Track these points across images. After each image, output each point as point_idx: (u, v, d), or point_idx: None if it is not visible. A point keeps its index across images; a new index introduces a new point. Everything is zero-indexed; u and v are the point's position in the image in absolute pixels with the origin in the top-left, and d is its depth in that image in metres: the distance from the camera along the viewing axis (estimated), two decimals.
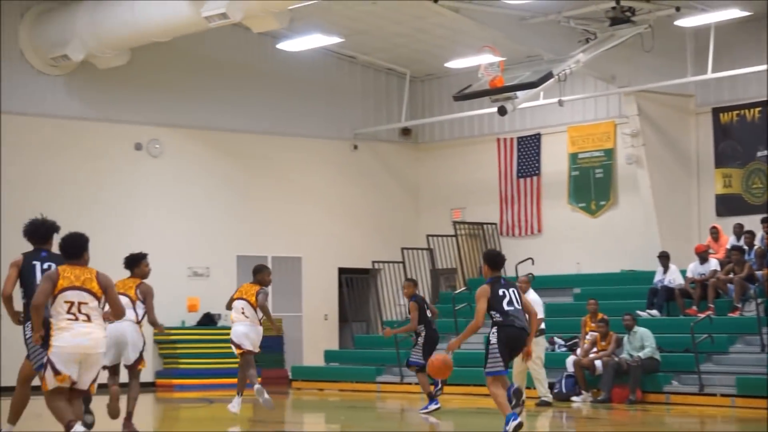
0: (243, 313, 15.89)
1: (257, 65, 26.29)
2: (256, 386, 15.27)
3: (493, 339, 12.05)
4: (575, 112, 25.23)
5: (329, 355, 25.23)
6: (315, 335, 26.15)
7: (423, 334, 17.06)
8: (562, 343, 22.01)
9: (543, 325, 18.94)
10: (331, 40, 25.02)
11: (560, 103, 23.04)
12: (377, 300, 26.56)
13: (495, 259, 12.41)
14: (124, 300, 13.16)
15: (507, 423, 11.72)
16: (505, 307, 12.06)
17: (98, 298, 10.83)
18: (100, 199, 24.33)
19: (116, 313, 11.15)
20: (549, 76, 21.44)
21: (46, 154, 23.93)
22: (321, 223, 26.76)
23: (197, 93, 25.65)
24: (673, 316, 21.42)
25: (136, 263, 14.61)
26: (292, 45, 25.20)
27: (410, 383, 22.85)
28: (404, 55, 27.00)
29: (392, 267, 26.72)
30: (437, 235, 26.56)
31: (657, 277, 21.92)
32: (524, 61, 23.86)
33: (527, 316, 12.25)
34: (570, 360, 20.51)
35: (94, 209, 24.26)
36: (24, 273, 11.35)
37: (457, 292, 24.48)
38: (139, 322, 13.92)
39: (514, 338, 12.08)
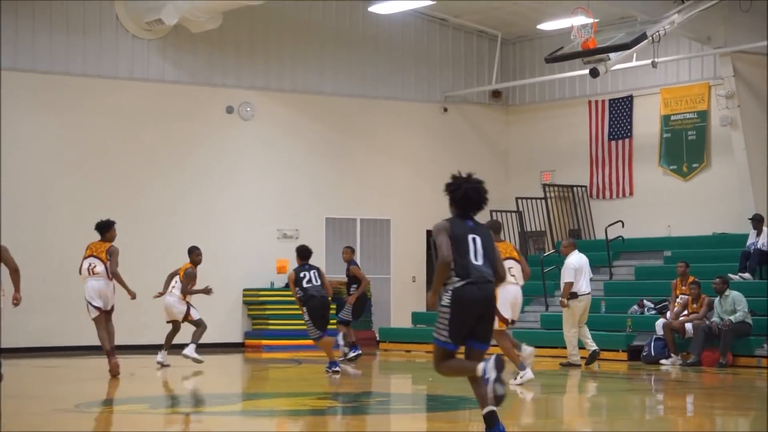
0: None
1: (348, 28, 26.33)
2: None
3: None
4: (669, 74, 24.89)
5: (417, 317, 25.31)
6: (403, 297, 26.21)
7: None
8: (652, 306, 21.84)
9: (576, 288, 18.84)
10: (423, 2, 24.93)
11: (654, 64, 22.74)
12: None
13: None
14: (97, 261, 17.14)
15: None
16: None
17: None
18: (191, 162, 24.62)
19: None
20: (643, 37, 21.19)
21: (140, 117, 24.25)
22: (410, 186, 26.78)
23: (288, 56, 25.76)
24: (765, 279, 21.14)
25: (106, 229, 17.47)
26: (383, 8, 25.17)
27: (495, 345, 22.84)
28: (496, 17, 26.84)
29: None
30: (526, 198, 26.46)
31: (750, 240, 21.63)
32: (617, 22, 23.60)
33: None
34: (659, 323, 20.37)
35: (186, 172, 24.56)
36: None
37: (545, 254, 24.38)
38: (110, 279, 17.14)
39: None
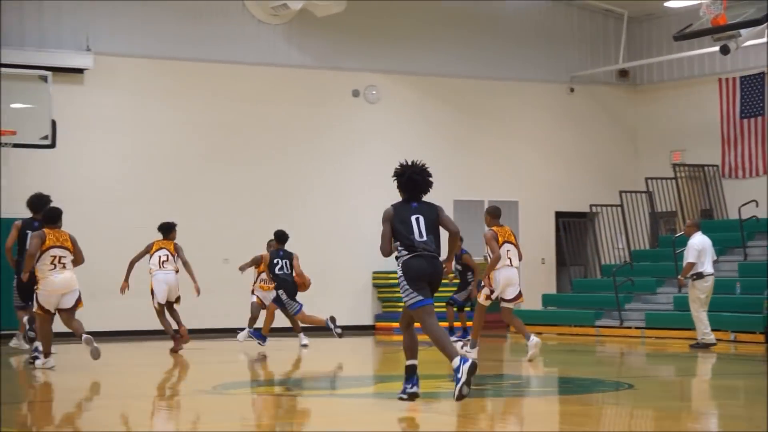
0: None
1: (473, 9, 26.21)
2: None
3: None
4: None
5: (547, 299, 25.14)
6: (532, 279, 26.03)
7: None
8: None
9: (702, 268, 18.56)
10: None
11: None
12: (595, 244, 26.31)
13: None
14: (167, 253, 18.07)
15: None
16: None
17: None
18: (318, 145, 24.77)
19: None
20: None
21: (267, 102, 24.46)
22: (537, 167, 26.62)
23: (413, 39, 25.74)
24: None
25: (169, 230, 18.29)
26: None
27: (629, 327, 22.64)
28: None
29: (610, 210, 26.39)
30: (656, 178, 26.09)
31: None
32: None
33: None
34: None
35: (313, 155, 24.72)
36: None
37: (677, 235, 24.02)
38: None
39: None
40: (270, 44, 24.59)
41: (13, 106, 17.98)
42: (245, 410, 11.46)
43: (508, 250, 16.04)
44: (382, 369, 17.11)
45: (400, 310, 26.20)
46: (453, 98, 26.07)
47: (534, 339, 16.02)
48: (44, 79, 18.36)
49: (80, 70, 22.59)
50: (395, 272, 25.73)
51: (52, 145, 18.26)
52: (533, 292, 25.74)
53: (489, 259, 16.06)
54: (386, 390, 13.38)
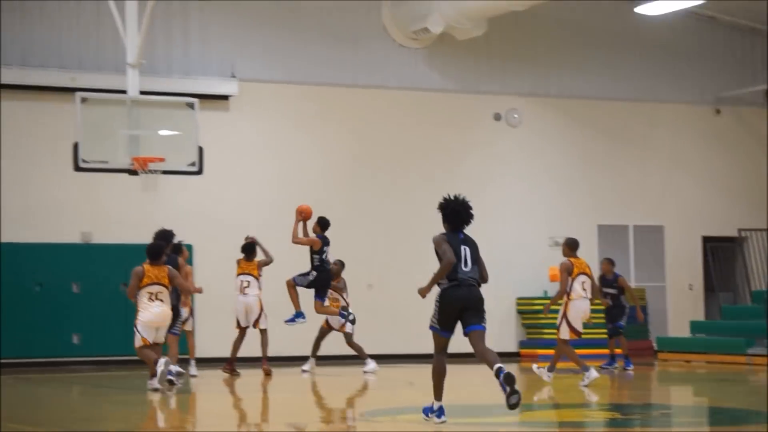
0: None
1: (614, 31, 25.94)
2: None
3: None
4: None
5: (695, 326, 24.64)
6: (680, 306, 25.60)
7: None
8: None
9: None
10: (693, 1, 24.26)
11: None
12: (744, 269, 25.76)
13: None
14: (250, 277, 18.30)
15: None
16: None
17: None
18: (459, 169, 24.72)
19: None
20: None
21: (408, 126, 24.51)
22: (683, 191, 26.18)
23: (554, 61, 25.57)
24: None
25: (251, 250, 18.57)
26: (650, 8, 24.65)
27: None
28: None
29: (760, 235, 25.83)
30: None
31: None
32: None
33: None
34: None
35: (454, 179, 24.62)
36: None
37: None
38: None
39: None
40: (411, 68, 24.65)
41: (161, 133, 18.27)
42: None
43: (583, 282, 16.56)
44: (527, 397, 16.92)
45: (546, 336, 26.20)
46: (596, 121, 25.80)
47: (593, 373, 16.26)
48: (191, 106, 18.60)
49: (225, 97, 22.94)
50: (539, 297, 25.64)
51: (200, 172, 18.50)
52: (680, 319, 25.30)
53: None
54: (533, 419, 13.22)
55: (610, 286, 20.04)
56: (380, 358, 20.69)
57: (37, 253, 21.52)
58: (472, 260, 11.33)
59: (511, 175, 25.12)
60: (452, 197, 11.51)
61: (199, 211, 22.56)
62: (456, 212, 11.38)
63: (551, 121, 25.54)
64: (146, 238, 21.85)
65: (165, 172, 18.16)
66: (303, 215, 17.90)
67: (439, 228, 25.87)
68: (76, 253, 19.55)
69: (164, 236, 16.50)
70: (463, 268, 11.23)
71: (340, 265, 19.32)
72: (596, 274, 24.67)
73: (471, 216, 11.44)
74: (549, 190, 25.33)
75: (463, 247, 11.30)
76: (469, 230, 25.87)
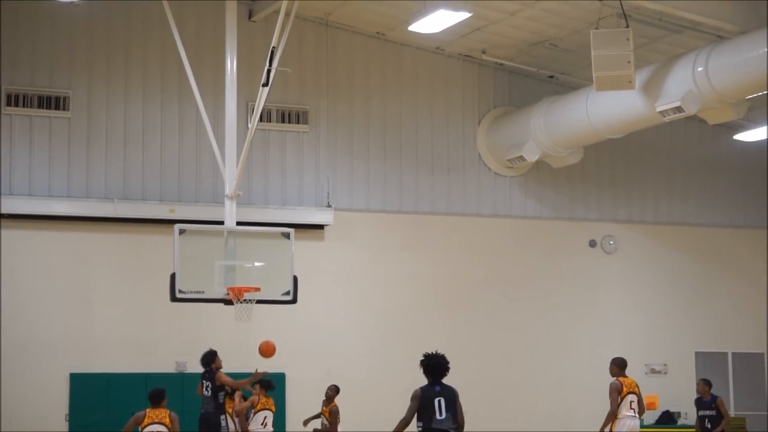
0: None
1: (709, 156, 25.85)
2: None
3: None
4: None
5: None
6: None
7: None
8: None
9: None
10: None
11: None
12: None
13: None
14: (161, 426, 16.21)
15: None
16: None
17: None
18: (556, 296, 24.60)
19: None
20: None
21: (504, 253, 24.49)
22: None
23: (650, 187, 25.50)
24: None
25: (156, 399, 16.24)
26: (749, 135, 24.52)
27: None
28: None
29: None
30: None
31: None
32: None
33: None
34: None
35: (551, 306, 24.55)
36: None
37: None
38: None
39: None
40: (506, 196, 24.73)
41: (256, 264, 18.48)
42: None
43: (631, 401, 16.58)
44: None
45: None
46: (693, 247, 25.58)
47: None
48: (287, 236, 18.81)
49: (321, 226, 23.20)
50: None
51: (294, 301, 18.62)
52: None
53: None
54: None
55: (707, 408, 19.39)
56: None
57: (133, 383, 21.76)
58: (446, 409, 12.37)
59: (606, 302, 24.93)
60: (432, 353, 12.67)
61: (291, 340, 22.70)
62: (435, 366, 12.52)
63: (647, 248, 25.37)
64: (239, 367, 22.20)
65: (259, 302, 18.30)
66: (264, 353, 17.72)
67: (536, 357, 25.82)
68: (170, 382, 19.64)
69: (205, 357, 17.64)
70: (437, 417, 12.30)
71: (335, 390, 19.21)
72: (693, 396, 24.31)
73: (447, 369, 12.64)
74: (645, 316, 25.07)
75: (437, 399, 12.39)
76: (564, 358, 25.73)
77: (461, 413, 12.56)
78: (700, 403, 19.32)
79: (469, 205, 24.45)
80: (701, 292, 25.47)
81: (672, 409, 24.54)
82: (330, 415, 18.96)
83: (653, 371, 24.96)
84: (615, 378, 16.71)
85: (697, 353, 25.11)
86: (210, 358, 17.86)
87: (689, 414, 24.55)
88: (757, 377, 25.50)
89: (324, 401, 19.27)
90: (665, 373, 24.84)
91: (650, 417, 24.46)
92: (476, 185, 24.52)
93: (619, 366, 16.88)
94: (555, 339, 24.48)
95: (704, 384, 19.52)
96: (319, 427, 19.26)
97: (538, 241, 24.76)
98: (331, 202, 23.38)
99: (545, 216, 24.91)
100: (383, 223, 23.84)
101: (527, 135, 23.52)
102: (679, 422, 24.46)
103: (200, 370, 21.69)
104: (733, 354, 25.15)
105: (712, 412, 19.36)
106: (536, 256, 24.67)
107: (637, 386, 16.77)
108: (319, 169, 23.52)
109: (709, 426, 19.15)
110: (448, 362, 12.64)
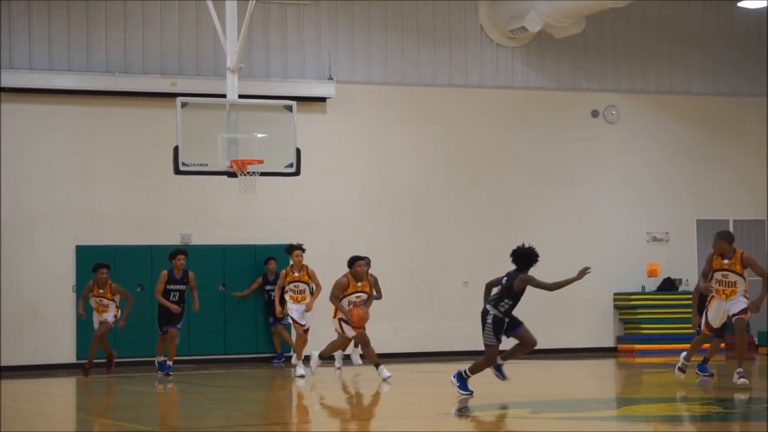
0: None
1: (713, 26, 25.70)
2: None
3: None
4: None
5: None
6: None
7: None
8: None
9: None
10: None
11: None
12: None
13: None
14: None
15: None
16: None
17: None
18: (558, 167, 24.68)
19: None
20: None
21: (506, 125, 24.52)
22: None
23: (652, 57, 25.41)
24: None
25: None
26: (753, 3, 24.32)
27: None
28: None
29: None
30: None
31: None
32: None
33: None
34: None
35: (553, 177, 24.65)
36: None
37: None
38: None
39: None
40: (508, 67, 24.66)
41: (259, 135, 18.54)
42: None
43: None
44: (626, 392, 16.88)
45: (644, 332, 25.94)
46: (694, 116, 25.57)
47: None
48: (289, 108, 18.84)
49: (323, 99, 23.20)
50: (637, 293, 25.43)
51: (297, 173, 18.74)
52: None
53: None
54: (632, 413, 13.21)
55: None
56: (475, 354, 20.71)
57: (139, 255, 22.00)
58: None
59: (608, 172, 25.01)
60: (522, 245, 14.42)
61: (295, 212, 22.86)
62: (520, 255, 14.45)
63: (649, 117, 25.37)
64: (243, 239, 22.40)
65: (263, 174, 18.42)
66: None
67: (539, 225, 25.81)
68: None
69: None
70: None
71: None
72: (694, 263, 24.55)
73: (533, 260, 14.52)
74: (647, 185, 25.17)
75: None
76: (565, 226, 25.76)
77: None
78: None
79: (471, 76, 24.39)
80: (703, 160, 25.54)
81: (673, 276, 24.78)
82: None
83: (655, 239, 25.15)
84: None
85: (698, 221, 25.26)
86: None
87: (690, 281, 24.84)
88: (759, 243, 25.67)
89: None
90: (667, 241, 25.01)
91: (652, 284, 24.71)
92: (478, 57, 24.43)
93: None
94: (557, 209, 24.62)
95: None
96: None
97: (541, 112, 24.76)
98: (333, 75, 23.34)
99: (547, 87, 24.86)
100: (385, 95, 23.83)
101: (529, 5, 23.39)
102: (681, 288, 24.72)
103: (205, 242, 21.93)
104: (735, 221, 25.30)
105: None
106: (538, 127, 24.69)
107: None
108: (321, 42, 23.44)
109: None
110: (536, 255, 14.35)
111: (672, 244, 25.09)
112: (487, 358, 14.43)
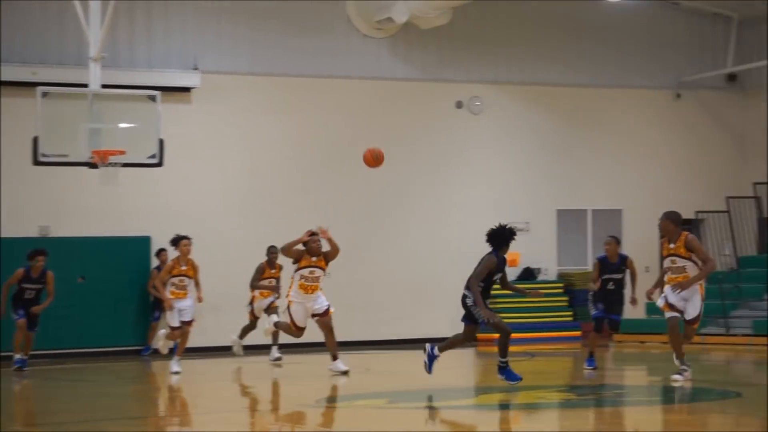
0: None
1: (576, 17, 26.11)
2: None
3: None
4: None
5: (651, 307, 24.86)
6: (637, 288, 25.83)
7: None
8: None
9: None
10: None
11: None
12: None
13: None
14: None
15: None
16: None
17: None
18: (422, 157, 24.89)
19: None
20: None
21: (372, 115, 24.66)
22: (642, 174, 26.42)
23: (517, 48, 25.75)
24: None
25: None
26: None
27: (736, 334, 22.39)
28: None
29: (717, 217, 26.12)
30: (764, 183, 25.76)
31: None
32: None
33: None
34: None
35: (417, 167, 24.86)
36: None
37: None
38: None
39: None
40: (374, 58, 24.81)
41: (122, 126, 18.39)
42: (351, 424, 11.64)
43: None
44: (483, 380, 17.18)
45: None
46: (557, 107, 26.03)
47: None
48: (153, 98, 18.71)
49: (188, 89, 23.09)
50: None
51: (160, 164, 18.62)
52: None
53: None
54: (488, 402, 13.46)
55: (615, 270, 17.09)
56: (341, 345, 20.87)
57: None
58: None
59: (472, 162, 25.32)
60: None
61: (159, 204, 22.74)
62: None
63: (513, 108, 25.75)
64: (104, 231, 22.19)
65: (125, 165, 18.28)
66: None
67: (404, 216, 26.03)
68: (33, 246, 19.56)
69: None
70: None
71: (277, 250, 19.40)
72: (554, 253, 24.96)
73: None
74: (509, 175, 25.56)
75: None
76: (430, 216, 26.03)
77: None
78: (604, 265, 17.03)
79: (338, 67, 24.48)
80: (563, 151, 25.99)
81: (532, 266, 25.20)
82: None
83: (516, 229, 25.52)
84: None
85: (558, 210, 25.74)
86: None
87: (549, 270, 25.34)
88: (615, 232, 26.18)
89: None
90: (528, 230, 25.44)
91: (512, 273, 25.09)
92: (345, 47, 24.53)
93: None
94: (422, 199, 24.86)
95: (615, 242, 17.23)
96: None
97: (407, 102, 24.96)
98: (199, 65, 23.24)
99: (413, 77, 25.07)
100: (251, 85, 23.80)
101: None
102: (539, 278, 25.17)
103: (67, 233, 21.60)
104: (593, 211, 25.82)
105: (620, 276, 17.17)
106: (404, 117, 24.89)
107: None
108: (186, 31, 23.30)
109: (613, 288, 17.00)
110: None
111: (532, 234, 25.51)
112: (464, 336, 14.52)
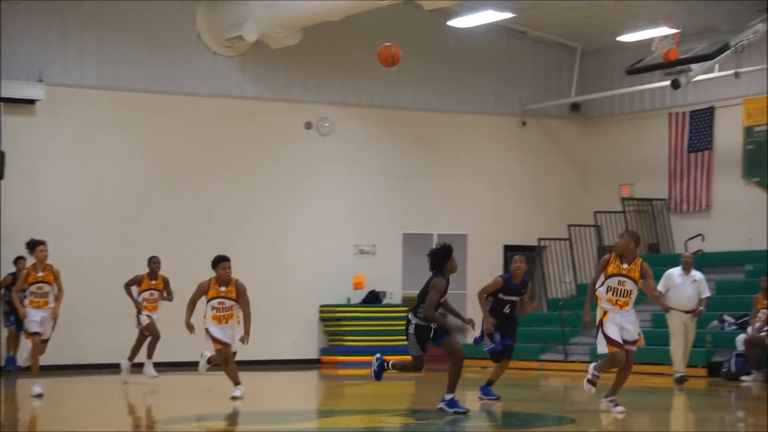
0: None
1: (427, 42, 26.34)
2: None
3: None
4: (752, 84, 24.40)
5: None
6: (480, 313, 26.06)
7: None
8: (732, 321, 21.60)
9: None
10: (504, 15, 24.64)
11: (737, 75, 22.51)
12: (542, 277, 26.45)
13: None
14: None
15: None
16: None
17: None
18: (270, 177, 24.84)
19: None
20: (725, 48, 21.03)
21: (220, 133, 24.51)
22: (487, 200, 26.77)
23: (367, 71, 25.83)
24: None
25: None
26: (463, 21, 25.08)
27: (574, 361, 22.77)
28: (576, 30, 26.69)
29: (558, 244, 26.58)
30: (605, 212, 26.31)
31: None
32: (699, 32, 23.40)
33: None
34: (740, 338, 20.16)
35: (265, 187, 24.78)
36: None
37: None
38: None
39: None
40: (224, 76, 24.67)
41: None
42: None
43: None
44: (326, 404, 17.14)
45: (347, 344, 26.36)
46: (405, 131, 26.21)
47: None
48: None
49: (32, 101, 22.62)
50: (343, 305, 25.72)
51: (0, 177, 18.21)
52: (478, 325, 25.72)
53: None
54: (330, 425, 13.43)
55: (516, 293, 16.04)
56: (180, 366, 20.64)
57: None
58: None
59: (320, 184, 25.32)
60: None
61: (1, 216, 22.21)
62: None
63: (362, 131, 25.85)
64: None
65: None
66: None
67: (250, 235, 25.88)
68: None
69: None
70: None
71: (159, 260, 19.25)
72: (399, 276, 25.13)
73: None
74: (357, 198, 25.63)
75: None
76: (276, 237, 26.01)
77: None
78: (507, 287, 16.02)
79: (186, 84, 24.28)
80: (411, 174, 26.17)
81: (378, 289, 25.29)
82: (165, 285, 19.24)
83: (362, 252, 25.61)
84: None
85: (404, 234, 25.89)
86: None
87: (394, 294, 25.48)
88: (459, 257, 26.34)
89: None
90: (374, 254, 25.52)
91: (357, 296, 25.16)
92: (194, 64, 24.34)
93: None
94: (268, 219, 24.77)
95: (522, 262, 16.08)
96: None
97: (255, 122, 24.88)
98: (43, 77, 22.79)
99: (262, 97, 24.99)
100: (98, 100, 23.44)
101: (247, 14, 23.46)
102: (385, 301, 25.27)
103: None
104: (439, 235, 26.04)
105: (517, 299, 16.10)
106: (253, 137, 24.79)
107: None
108: (32, 42, 22.84)
109: (508, 311, 16.10)
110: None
111: (378, 257, 25.62)
112: (413, 365, 13.52)
